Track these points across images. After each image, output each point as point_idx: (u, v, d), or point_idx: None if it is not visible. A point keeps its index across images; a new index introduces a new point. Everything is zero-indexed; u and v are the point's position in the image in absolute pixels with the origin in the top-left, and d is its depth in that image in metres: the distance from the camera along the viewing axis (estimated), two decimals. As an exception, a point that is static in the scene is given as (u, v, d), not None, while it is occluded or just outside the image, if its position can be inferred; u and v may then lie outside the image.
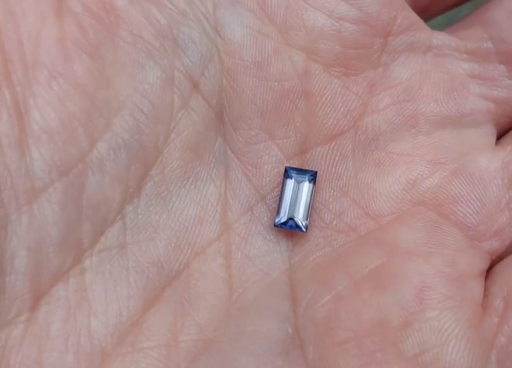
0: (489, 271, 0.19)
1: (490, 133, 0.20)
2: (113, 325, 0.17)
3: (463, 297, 0.17)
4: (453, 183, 0.19)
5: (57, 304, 0.17)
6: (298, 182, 0.19)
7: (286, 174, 0.19)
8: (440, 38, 0.21)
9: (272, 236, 0.19)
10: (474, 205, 0.19)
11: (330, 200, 0.19)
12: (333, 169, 0.20)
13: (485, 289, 0.18)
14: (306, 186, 0.19)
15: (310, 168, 0.20)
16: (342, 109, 0.20)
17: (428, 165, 0.20)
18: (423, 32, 0.20)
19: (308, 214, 0.19)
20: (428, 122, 0.20)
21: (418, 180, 0.19)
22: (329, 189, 0.20)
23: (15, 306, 0.16)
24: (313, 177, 0.19)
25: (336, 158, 0.20)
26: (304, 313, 0.18)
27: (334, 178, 0.20)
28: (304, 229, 0.19)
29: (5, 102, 0.17)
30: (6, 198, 0.16)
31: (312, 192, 0.19)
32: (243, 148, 0.19)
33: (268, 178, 0.19)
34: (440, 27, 0.21)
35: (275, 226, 0.19)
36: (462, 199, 0.19)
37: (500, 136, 0.21)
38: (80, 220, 0.17)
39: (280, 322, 0.18)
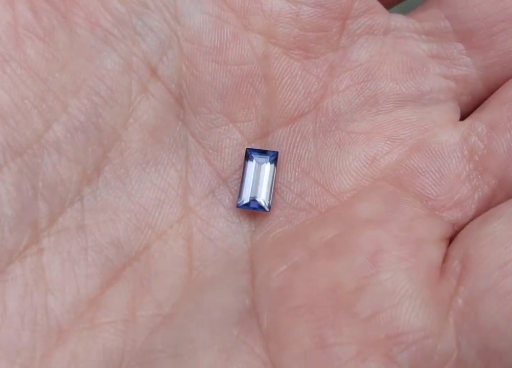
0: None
1: (452, 110, 0.20)
2: (70, 302, 0.17)
3: (419, 259, 0.17)
4: (412, 157, 0.19)
5: (14, 282, 0.17)
6: (259, 163, 0.19)
7: (247, 156, 0.19)
8: (398, 20, 0.21)
9: (234, 218, 0.19)
10: (434, 176, 0.19)
11: (292, 181, 0.20)
12: (295, 151, 0.20)
13: (446, 253, 0.18)
14: (267, 167, 0.19)
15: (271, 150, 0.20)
16: (303, 92, 0.20)
17: (387, 142, 0.20)
18: (382, 15, 0.21)
19: (271, 194, 0.19)
20: (388, 101, 0.20)
21: (377, 156, 0.20)
22: (291, 170, 0.20)
23: None
24: (274, 157, 0.19)
25: (298, 139, 0.20)
26: (260, 284, 0.18)
27: (296, 159, 0.20)
28: (267, 209, 0.19)
29: None
30: None
31: (274, 172, 0.19)
32: (204, 132, 0.20)
33: (229, 161, 0.20)
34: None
35: (237, 207, 0.19)
36: (421, 172, 0.19)
37: (465, 117, 0.21)
38: (36, 199, 0.17)
39: (237, 295, 0.18)
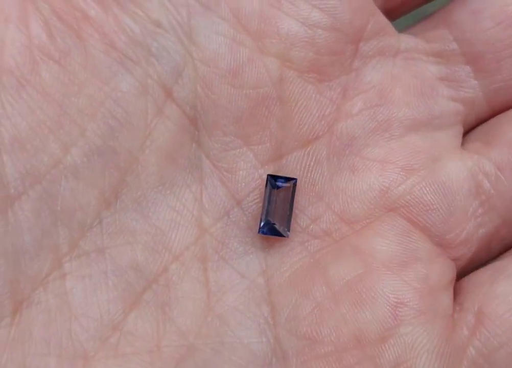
0: (459, 282, 0.20)
1: (458, 134, 0.21)
2: (94, 328, 0.17)
3: (435, 311, 0.19)
4: (424, 191, 0.20)
5: (38, 308, 0.17)
6: (278, 189, 0.19)
7: (268, 182, 0.20)
8: (408, 41, 0.21)
9: (248, 239, 0.19)
10: (443, 214, 0.20)
11: (306, 205, 0.20)
12: (309, 175, 0.20)
13: (458, 303, 0.19)
14: (286, 193, 0.19)
15: (287, 175, 0.20)
16: (317, 114, 0.20)
17: (401, 172, 0.20)
18: (392, 37, 0.21)
19: (290, 220, 0.19)
20: (401, 126, 0.20)
21: (391, 186, 0.20)
22: (305, 194, 0.20)
23: None
24: (293, 184, 0.20)
25: (312, 163, 0.20)
26: (286, 324, 0.18)
27: (309, 183, 0.20)
28: (286, 235, 0.19)
29: None
30: None
31: (293, 199, 0.20)
32: (218, 154, 0.20)
33: (243, 183, 0.20)
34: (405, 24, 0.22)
35: (258, 233, 0.19)
36: (431, 208, 0.20)
37: (466, 133, 0.21)
38: (56, 225, 0.17)
39: (260, 332, 0.18)
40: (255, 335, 0.18)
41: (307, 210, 0.20)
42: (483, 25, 0.20)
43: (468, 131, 0.21)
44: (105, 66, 0.18)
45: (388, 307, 0.18)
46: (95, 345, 0.17)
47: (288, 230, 0.19)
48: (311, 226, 0.20)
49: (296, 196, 0.20)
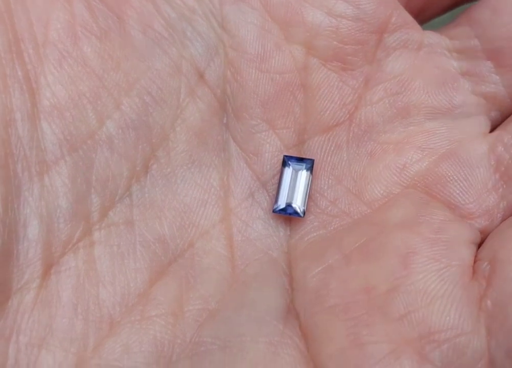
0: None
1: (482, 123, 0.21)
2: (121, 294, 0.18)
3: (450, 260, 0.18)
4: (441, 165, 0.20)
5: (68, 273, 0.17)
6: (296, 170, 0.20)
7: (284, 162, 0.20)
8: (431, 37, 0.22)
9: (271, 221, 0.20)
10: (461, 185, 0.19)
11: (325, 188, 0.20)
12: (329, 159, 0.20)
13: (476, 255, 0.18)
14: (303, 174, 0.20)
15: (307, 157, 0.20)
16: (338, 102, 0.21)
17: (417, 151, 0.20)
18: (416, 31, 0.21)
19: (306, 200, 0.20)
20: (420, 113, 0.21)
21: (407, 164, 0.20)
22: (325, 177, 0.20)
23: (27, 273, 0.17)
24: (310, 165, 0.20)
25: (332, 148, 0.20)
26: (297, 285, 0.19)
27: (329, 167, 0.20)
28: (301, 214, 0.20)
29: (18, 79, 0.18)
30: (20, 169, 0.17)
31: (309, 179, 0.20)
32: (245, 137, 0.20)
33: (268, 166, 0.20)
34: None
35: (273, 212, 0.20)
36: (449, 180, 0.19)
37: (493, 130, 0.21)
38: (89, 193, 0.18)
39: (279, 294, 0.19)
40: (274, 295, 0.18)
41: (326, 192, 0.20)
42: (502, 21, 0.21)
43: (495, 127, 0.21)
44: (142, 45, 0.19)
45: (398, 257, 0.18)
46: (122, 311, 0.18)
47: (304, 210, 0.20)
48: (330, 207, 0.20)
49: (315, 180, 0.20)
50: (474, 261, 0.18)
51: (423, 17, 0.23)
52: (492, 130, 0.21)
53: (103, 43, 0.19)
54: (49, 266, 0.17)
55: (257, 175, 0.20)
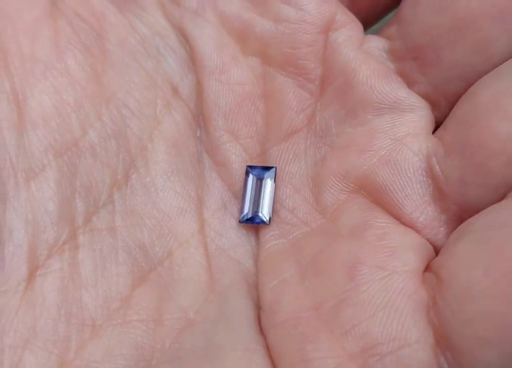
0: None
1: (427, 118, 0.20)
2: (103, 298, 0.18)
3: (394, 266, 0.17)
4: (379, 172, 0.19)
5: (53, 275, 0.18)
6: (259, 179, 0.21)
7: (247, 172, 0.21)
8: (371, 39, 0.21)
9: (244, 230, 0.20)
10: (399, 194, 0.19)
11: (284, 197, 0.21)
12: (287, 168, 0.21)
13: (427, 266, 0.18)
14: (267, 182, 0.20)
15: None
16: (295, 109, 0.21)
17: (359, 155, 0.20)
18: (359, 31, 0.21)
19: (271, 208, 0.20)
20: (367, 111, 0.20)
21: (350, 170, 0.20)
22: (283, 187, 0.21)
23: (13, 276, 0.17)
24: (273, 173, 0.20)
25: (290, 157, 0.21)
26: (259, 297, 0.19)
27: (288, 176, 0.21)
28: (267, 222, 0.20)
29: (5, 91, 0.18)
30: (6, 176, 0.18)
31: (273, 187, 0.20)
32: (214, 149, 0.21)
33: (237, 176, 0.21)
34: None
35: (240, 222, 0.20)
36: (388, 189, 0.19)
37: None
38: (74, 198, 0.19)
39: (251, 304, 0.19)
40: (248, 305, 0.19)
41: (285, 202, 0.20)
42: (420, 15, 0.20)
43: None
44: (120, 60, 0.20)
45: (344, 269, 0.17)
46: (104, 314, 0.18)
47: (270, 217, 0.20)
48: (289, 217, 0.20)
49: (275, 189, 0.21)
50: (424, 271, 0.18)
51: (368, 19, 0.23)
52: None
53: (86, 57, 0.20)
54: (34, 269, 0.18)
55: (228, 185, 0.21)
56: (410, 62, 0.20)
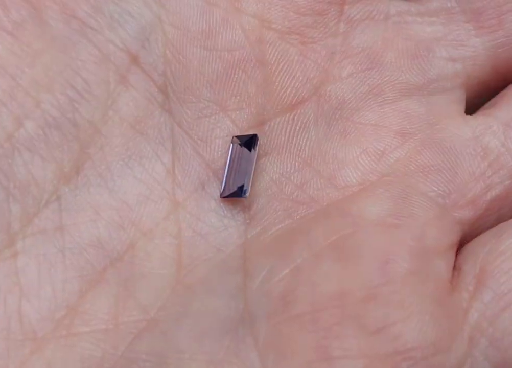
0: (461, 245, 0.18)
1: (459, 99, 0.20)
2: (47, 308, 0.16)
3: (427, 274, 0.17)
4: (423, 153, 0.19)
5: None
6: (241, 148, 0.18)
7: (232, 143, 0.19)
8: (399, 5, 0.20)
9: (226, 212, 0.18)
10: (446, 174, 0.18)
11: (292, 171, 0.19)
12: (294, 140, 0.19)
13: (457, 266, 0.18)
14: (244, 150, 0.18)
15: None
16: (301, 78, 0.19)
17: (396, 136, 0.19)
18: (381, 2, 0.20)
19: (249, 179, 0.18)
20: (394, 90, 0.19)
21: (386, 151, 0.19)
22: (291, 160, 0.19)
23: None
24: (253, 140, 0.18)
25: (297, 128, 0.19)
26: (259, 288, 0.17)
27: (295, 149, 0.19)
28: (243, 195, 0.18)
29: None
30: None
31: (252, 155, 0.18)
32: (192, 122, 0.19)
33: (219, 152, 0.19)
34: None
35: (221, 197, 0.18)
36: (433, 169, 0.18)
37: (470, 104, 0.20)
38: (7, 202, 0.17)
39: (229, 298, 0.17)
40: (222, 301, 0.17)
41: (292, 176, 0.19)
42: None
43: (472, 98, 0.20)
44: (64, 36, 0.18)
45: (375, 263, 0.17)
46: (46, 326, 0.16)
47: (246, 189, 0.18)
48: (296, 193, 0.18)
49: (279, 162, 0.19)
50: (456, 273, 0.18)
51: None
52: (468, 102, 0.20)
53: (16, 38, 0.17)
54: None
55: (207, 162, 0.18)
56: (462, 24, 0.20)
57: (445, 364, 0.16)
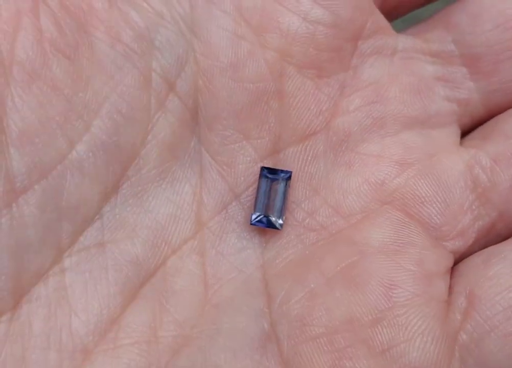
0: (452, 269, 0.20)
1: (455, 133, 0.21)
2: (94, 323, 0.18)
3: (430, 295, 0.18)
4: (419, 184, 0.20)
5: (38, 303, 0.17)
6: (273, 182, 0.20)
7: (262, 174, 0.20)
8: (406, 41, 0.21)
9: (245, 234, 0.20)
10: (439, 206, 0.20)
11: (303, 199, 0.20)
12: (306, 169, 0.20)
13: (450, 287, 0.19)
14: (281, 185, 0.20)
15: (284, 168, 0.20)
16: (315, 110, 0.20)
17: (396, 166, 0.20)
18: (390, 36, 0.21)
19: (283, 213, 0.20)
20: (396, 123, 0.21)
21: (386, 180, 0.20)
22: (302, 188, 0.20)
23: None
24: (288, 176, 0.20)
25: (309, 158, 0.20)
26: (279, 309, 0.19)
27: (306, 177, 0.20)
28: (279, 227, 0.19)
29: None
30: None
31: (286, 191, 0.20)
32: (218, 148, 0.20)
33: (242, 178, 0.20)
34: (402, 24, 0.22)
35: (251, 224, 0.19)
36: (427, 200, 0.20)
37: (463, 135, 0.22)
38: (60, 220, 0.17)
39: (256, 318, 0.18)
40: (250, 321, 0.18)
41: (303, 203, 0.20)
42: (481, 28, 0.21)
43: (464, 133, 0.22)
44: (110, 60, 0.18)
45: (381, 289, 0.18)
46: (95, 339, 0.17)
47: (282, 222, 0.20)
48: (307, 220, 0.20)
49: (292, 190, 0.20)
50: (449, 293, 0.19)
51: (398, 13, 0.22)
52: (462, 136, 0.21)
53: (72, 62, 0.18)
54: (20, 297, 0.17)
55: (230, 187, 0.20)
56: (459, 68, 0.21)
57: None
